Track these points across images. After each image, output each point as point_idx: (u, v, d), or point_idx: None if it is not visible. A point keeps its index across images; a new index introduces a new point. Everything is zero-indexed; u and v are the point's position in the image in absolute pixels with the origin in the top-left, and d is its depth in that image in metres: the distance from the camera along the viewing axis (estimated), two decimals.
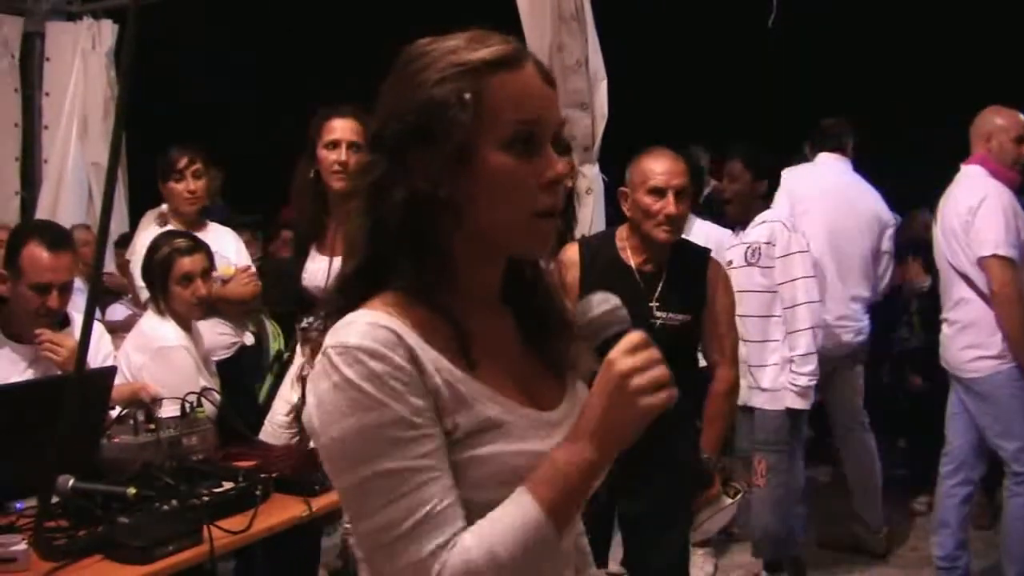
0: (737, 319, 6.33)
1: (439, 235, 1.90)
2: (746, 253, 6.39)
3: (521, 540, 1.76)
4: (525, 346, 2.06)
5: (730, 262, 6.51)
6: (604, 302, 1.94)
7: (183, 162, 6.25)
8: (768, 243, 6.27)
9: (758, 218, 6.40)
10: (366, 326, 1.81)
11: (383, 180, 1.90)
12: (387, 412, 1.76)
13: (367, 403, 1.75)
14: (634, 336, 1.86)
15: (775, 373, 6.30)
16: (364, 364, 1.77)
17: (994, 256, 5.86)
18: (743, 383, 6.41)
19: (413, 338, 1.82)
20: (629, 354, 1.83)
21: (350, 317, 1.84)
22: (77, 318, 4.81)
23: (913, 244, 8.46)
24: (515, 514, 1.78)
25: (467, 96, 1.84)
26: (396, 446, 1.75)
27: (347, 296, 1.92)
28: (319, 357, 1.84)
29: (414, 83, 1.89)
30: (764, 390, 6.33)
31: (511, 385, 1.95)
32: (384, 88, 1.96)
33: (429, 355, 1.83)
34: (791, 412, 6.29)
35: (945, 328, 6.30)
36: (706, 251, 4.97)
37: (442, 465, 1.79)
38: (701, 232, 6.78)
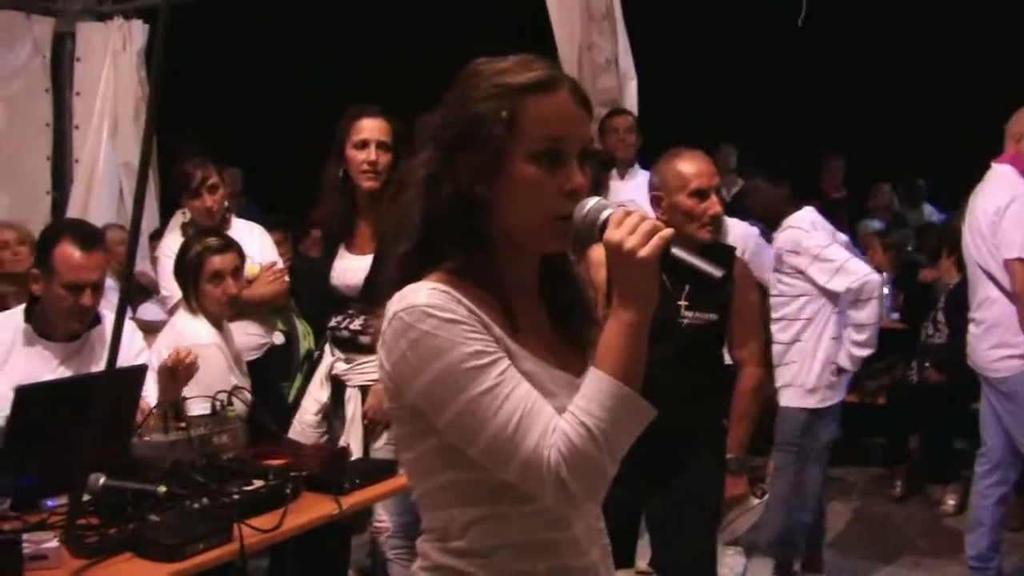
0: (771, 320, 6.35)
1: (479, 228, 2.23)
2: (774, 257, 6.42)
3: (602, 406, 2.07)
4: (556, 331, 2.37)
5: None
6: (588, 202, 2.19)
7: (196, 180, 6.22)
8: (792, 251, 6.26)
9: (784, 223, 6.38)
10: (429, 290, 2.15)
11: (437, 174, 2.24)
12: (463, 348, 2.11)
13: (445, 346, 2.11)
14: (616, 213, 2.14)
15: (796, 370, 6.29)
16: (435, 317, 2.11)
17: (1019, 259, 5.84)
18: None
19: (467, 303, 2.16)
20: (616, 227, 2.11)
21: (409, 287, 2.19)
22: (108, 316, 4.84)
23: (947, 241, 8.44)
24: (591, 388, 2.10)
25: (504, 114, 2.17)
26: (479, 372, 2.10)
27: (404, 271, 2.25)
28: (385, 326, 2.18)
29: (465, 97, 2.23)
30: (786, 386, 6.35)
31: (545, 353, 2.28)
32: (446, 96, 2.29)
33: (482, 317, 2.16)
34: (808, 412, 6.31)
35: (972, 328, 6.27)
36: (731, 249, 4.96)
37: (518, 377, 2.14)
38: (732, 229, 6.76)
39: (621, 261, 2.10)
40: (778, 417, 6.39)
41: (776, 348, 6.39)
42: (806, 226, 6.36)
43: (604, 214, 2.15)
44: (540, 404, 2.11)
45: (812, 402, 6.33)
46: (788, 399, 6.38)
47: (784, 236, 6.34)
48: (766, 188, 6.50)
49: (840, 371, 6.33)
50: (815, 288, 6.26)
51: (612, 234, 2.10)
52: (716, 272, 2.13)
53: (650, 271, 2.10)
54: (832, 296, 6.28)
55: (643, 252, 2.07)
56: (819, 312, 6.30)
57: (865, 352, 6.30)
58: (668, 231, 2.11)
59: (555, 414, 2.10)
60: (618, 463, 2.12)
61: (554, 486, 2.07)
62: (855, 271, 6.19)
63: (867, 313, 6.19)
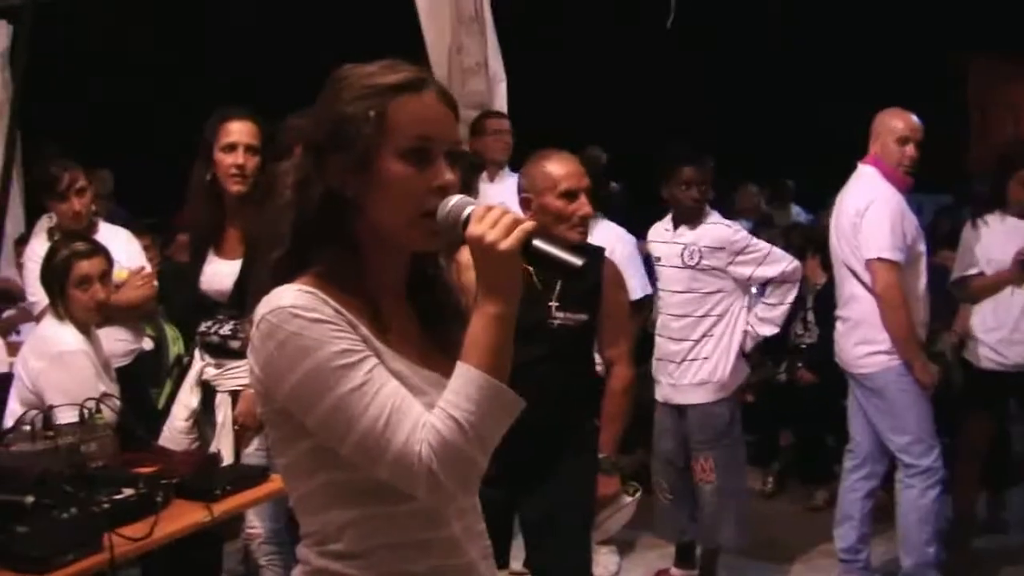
0: (668, 317, 6.39)
1: (348, 228, 2.27)
2: (683, 254, 6.40)
3: (470, 398, 2.11)
4: (424, 333, 2.41)
5: (658, 258, 6.59)
6: (450, 200, 2.22)
7: (64, 183, 6.13)
8: (715, 247, 6.31)
9: (702, 220, 6.40)
10: (295, 292, 2.19)
11: (307, 178, 2.28)
12: (330, 347, 2.13)
13: (312, 346, 2.13)
14: (477, 209, 2.19)
15: (712, 367, 6.37)
16: (301, 317, 2.14)
17: (879, 259, 5.99)
18: (665, 381, 6.47)
19: (333, 304, 2.19)
20: (478, 221, 2.15)
21: (275, 290, 2.21)
22: None
23: (813, 242, 8.56)
24: (458, 382, 2.13)
25: (372, 113, 2.22)
26: (346, 370, 2.13)
27: (276, 276, 2.26)
28: (253, 330, 2.20)
29: (334, 99, 2.28)
30: (701, 384, 6.39)
31: (413, 353, 2.31)
32: (316, 101, 2.33)
33: (348, 317, 2.19)
34: (729, 403, 6.44)
35: (838, 325, 6.41)
36: (600, 250, 4.99)
37: (387, 375, 2.17)
38: (606, 232, 6.76)
39: (484, 254, 2.14)
40: (700, 416, 6.43)
41: (681, 346, 6.43)
42: (727, 222, 6.48)
43: (467, 210, 2.19)
44: (409, 400, 2.15)
45: (728, 393, 6.43)
46: (707, 395, 6.42)
47: (701, 232, 6.37)
48: (709, 182, 6.52)
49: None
50: (731, 284, 6.34)
51: (474, 228, 2.14)
52: (576, 260, 2.16)
53: (512, 263, 2.14)
54: (745, 290, 6.41)
55: (504, 244, 2.11)
56: (731, 307, 6.37)
57: (768, 330, 6.41)
58: (530, 223, 2.16)
59: (424, 410, 2.13)
60: (489, 455, 2.16)
61: (426, 480, 2.10)
62: (783, 257, 6.37)
63: (782, 293, 6.33)
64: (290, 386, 2.15)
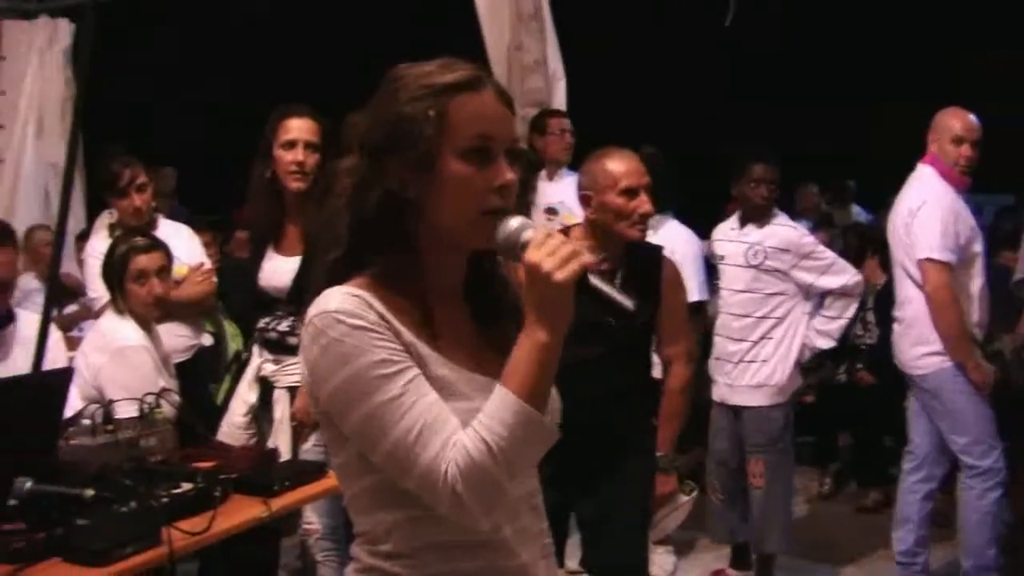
0: (728, 316, 6.39)
1: (407, 230, 2.26)
2: (747, 253, 6.42)
3: (504, 423, 2.09)
4: (479, 333, 2.40)
5: (722, 257, 6.61)
6: (510, 223, 2.21)
7: (124, 179, 6.16)
8: (781, 249, 6.32)
9: (769, 221, 6.43)
10: (342, 295, 2.19)
11: (364, 180, 2.27)
12: (370, 355, 2.14)
13: (353, 353, 2.14)
14: (538, 235, 2.16)
15: (770, 370, 6.37)
16: (344, 323, 2.15)
17: (929, 260, 5.95)
18: (722, 381, 6.46)
19: (380, 307, 2.19)
20: (536, 248, 2.13)
21: (326, 292, 2.22)
22: (22, 315, 4.78)
23: (872, 242, 8.51)
24: (495, 406, 2.12)
25: (432, 113, 2.21)
26: (384, 380, 2.13)
27: (331, 278, 2.27)
28: (304, 330, 2.22)
29: (392, 100, 2.26)
30: (758, 386, 6.40)
31: (463, 357, 2.30)
32: (371, 102, 2.32)
33: (394, 323, 2.19)
34: (786, 408, 6.45)
35: (895, 326, 6.37)
36: (659, 248, 4.97)
37: (426, 387, 2.17)
38: (672, 231, 6.74)
39: (538, 282, 2.12)
40: (756, 419, 6.44)
41: (740, 346, 6.45)
42: (794, 224, 6.51)
43: (525, 235, 2.18)
44: (444, 416, 2.15)
45: (784, 398, 6.44)
46: (763, 398, 6.43)
47: (768, 232, 6.40)
48: (776, 182, 6.51)
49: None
50: (793, 288, 6.35)
51: (531, 255, 2.12)
52: (628, 304, 2.16)
53: (564, 294, 2.12)
54: (806, 295, 6.43)
55: (559, 275, 2.09)
56: (792, 311, 6.39)
57: (826, 343, 6.48)
58: (587, 258, 2.14)
59: (458, 427, 2.14)
60: (515, 480, 2.17)
61: (449, 499, 2.11)
62: (847, 270, 6.42)
63: (841, 306, 6.38)
64: (329, 391, 2.18)
